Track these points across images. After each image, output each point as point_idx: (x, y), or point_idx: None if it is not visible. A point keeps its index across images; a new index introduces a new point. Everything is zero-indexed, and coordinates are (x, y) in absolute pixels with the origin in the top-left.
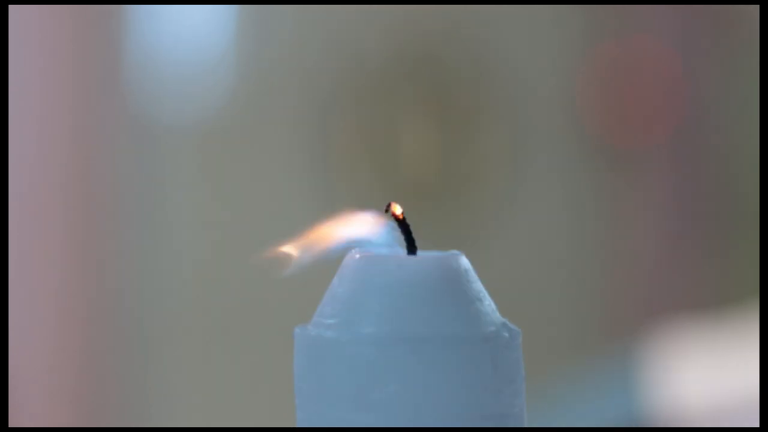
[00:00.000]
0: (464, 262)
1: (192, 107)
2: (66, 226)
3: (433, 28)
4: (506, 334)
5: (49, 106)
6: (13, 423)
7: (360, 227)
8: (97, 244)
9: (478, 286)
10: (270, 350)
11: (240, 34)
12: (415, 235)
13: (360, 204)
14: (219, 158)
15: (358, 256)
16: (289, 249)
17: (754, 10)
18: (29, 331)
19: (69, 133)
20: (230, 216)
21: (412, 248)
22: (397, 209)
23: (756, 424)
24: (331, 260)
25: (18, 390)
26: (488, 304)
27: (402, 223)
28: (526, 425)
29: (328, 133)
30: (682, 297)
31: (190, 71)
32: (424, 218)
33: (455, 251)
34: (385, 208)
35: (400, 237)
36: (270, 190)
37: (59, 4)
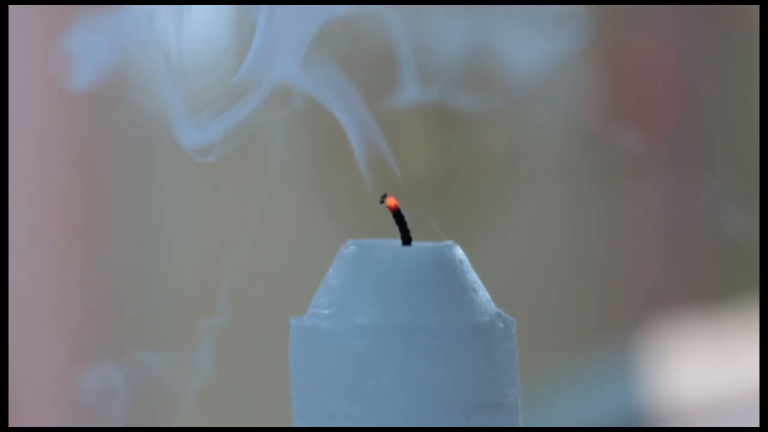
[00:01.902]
0: (458, 252)
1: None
2: (67, 229)
3: (431, 30)
4: (500, 324)
5: (49, 108)
6: (13, 423)
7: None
8: (98, 246)
9: (472, 276)
10: (266, 341)
11: (239, 35)
12: (413, 230)
13: (359, 200)
14: (217, 161)
15: (352, 247)
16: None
17: (754, 9)
18: (30, 332)
19: (69, 136)
20: (229, 211)
21: (406, 239)
22: (392, 201)
23: (752, 418)
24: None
25: (19, 390)
26: (482, 294)
27: (397, 215)
28: (520, 415)
29: (327, 129)
30: (679, 292)
31: (190, 71)
32: (423, 214)
33: (449, 242)
34: (380, 199)
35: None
36: (269, 186)
37: (59, 4)
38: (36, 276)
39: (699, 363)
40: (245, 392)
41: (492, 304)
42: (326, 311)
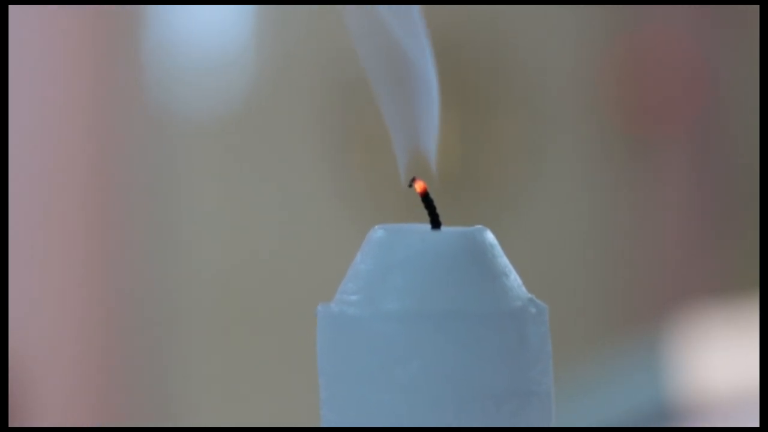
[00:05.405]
0: (489, 236)
1: (210, 103)
2: (82, 222)
3: (452, 21)
4: (533, 310)
5: (69, 103)
6: (18, 423)
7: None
8: (114, 238)
9: (503, 260)
10: (294, 329)
11: (258, 30)
12: (441, 215)
13: (379, 195)
14: (238, 152)
15: (380, 231)
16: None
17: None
18: (42, 330)
19: (87, 130)
20: (249, 207)
21: (435, 223)
22: (421, 184)
23: None
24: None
25: (23, 391)
26: (514, 279)
27: (425, 198)
28: (553, 404)
29: (348, 125)
30: (707, 281)
31: (209, 67)
32: (446, 207)
33: (479, 226)
34: (408, 183)
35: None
36: (289, 183)
37: (80, 4)
38: (50, 272)
39: (729, 354)
40: (274, 380)
41: (524, 289)
42: (354, 297)
